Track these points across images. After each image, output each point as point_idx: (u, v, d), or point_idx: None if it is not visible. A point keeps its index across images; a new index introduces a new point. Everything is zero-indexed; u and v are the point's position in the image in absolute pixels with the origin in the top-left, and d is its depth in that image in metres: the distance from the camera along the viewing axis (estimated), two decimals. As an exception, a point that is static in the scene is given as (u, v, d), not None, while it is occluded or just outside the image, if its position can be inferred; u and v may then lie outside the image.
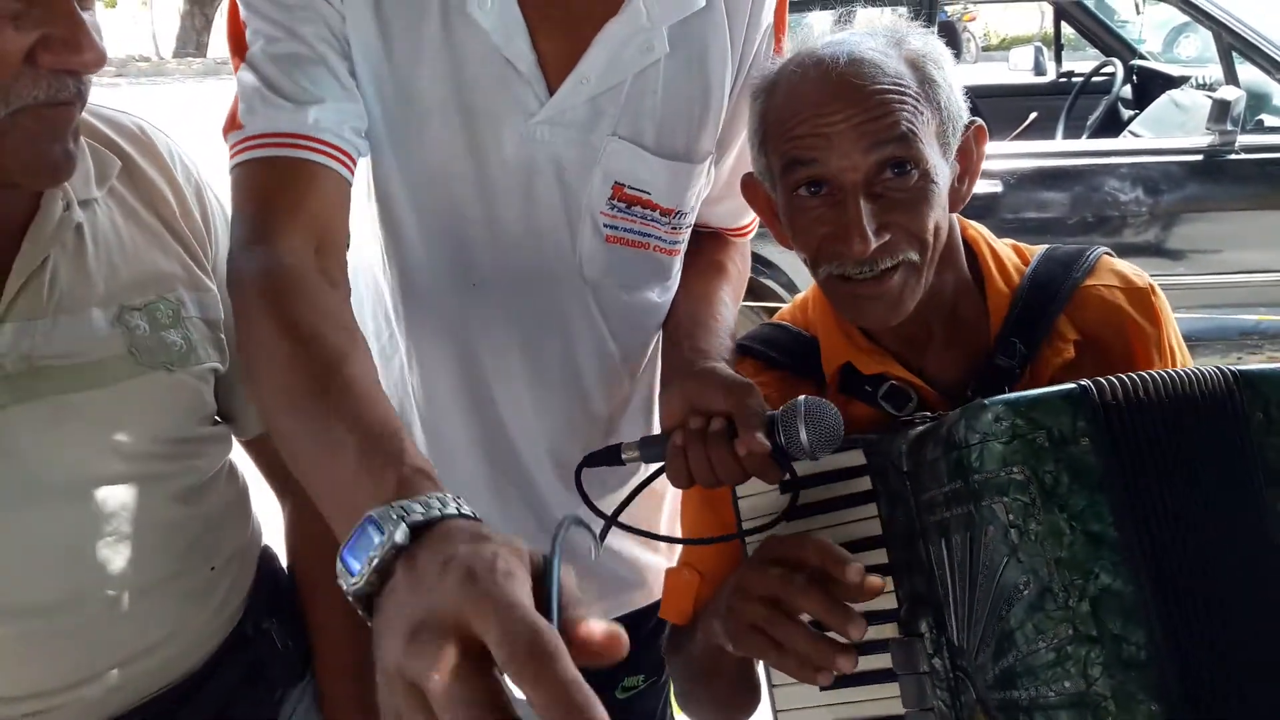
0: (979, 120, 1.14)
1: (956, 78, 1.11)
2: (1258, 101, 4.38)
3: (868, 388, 1.12)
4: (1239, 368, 0.94)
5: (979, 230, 1.21)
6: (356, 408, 0.82)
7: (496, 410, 1.27)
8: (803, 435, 1.00)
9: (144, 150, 1.11)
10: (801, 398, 1.02)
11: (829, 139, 1.04)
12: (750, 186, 1.19)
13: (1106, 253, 1.20)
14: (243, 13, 1.09)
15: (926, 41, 1.10)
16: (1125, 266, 1.19)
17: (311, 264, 0.99)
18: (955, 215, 1.16)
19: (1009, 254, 1.19)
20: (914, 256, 1.06)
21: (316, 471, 0.82)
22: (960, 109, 1.10)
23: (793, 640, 0.95)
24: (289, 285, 0.95)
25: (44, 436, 0.97)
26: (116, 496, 1.01)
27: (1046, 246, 1.21)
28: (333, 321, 0.92)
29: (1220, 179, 3.99)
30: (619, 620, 1.48)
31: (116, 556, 1.02)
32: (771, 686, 1.08)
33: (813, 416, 1.00)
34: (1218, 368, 0.94)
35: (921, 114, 1.05)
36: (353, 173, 1.10)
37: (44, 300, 0.98)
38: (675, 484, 1.04)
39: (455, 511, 0.69)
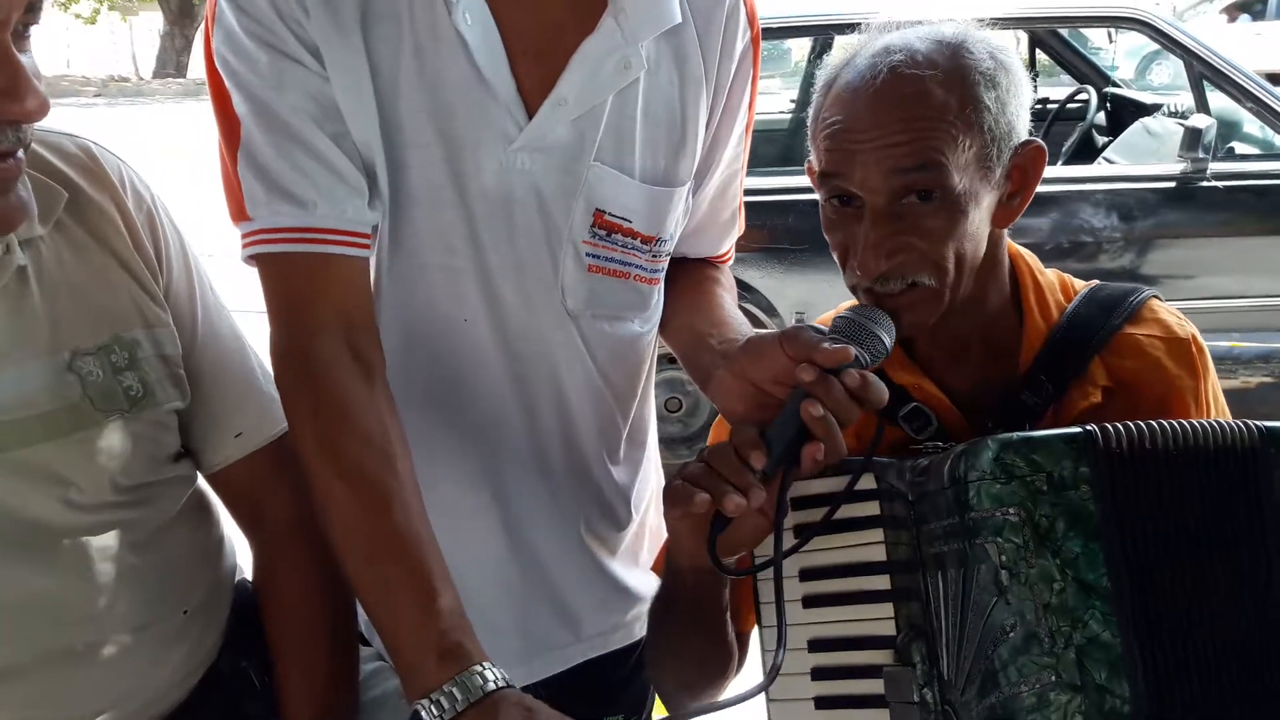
0: (1037, 140, 1.12)
1: (1019, 94, 1.09)
2: (1228, 129, 4.44)
3: (891, 404, 1.11)
4: (1268, 424, 0.95)
5: (1027, 259, 1.20)
6: (407, 559, 1.00)
7: (490, 446, 1.25)
8: (884, 337, 1.03)
9: (92, 178, 1.04)
10: (846, 312, 1.06)
11: (853, 156, 1.05)
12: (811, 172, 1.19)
13: (1155, 296, 1.19)
14: (225, 80, 1.09)
15: (992, 55, 1.07)
16: (1169, 314, 1.18)
17: (346, 358, 1.08)
18: (1004, 232, 1.15)
19: (1052, 287, 1.19)
20: (929, 281, 1.07)
21: (377, 610, 1.02)
22: (1013, 128, 1.09)
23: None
24: (330, 408, 1.06)
25: None
26: (77, 550, 0.97)
27: (1093, 284, 1.20)
28: (375, 451, 1.04)
29: (1192, 206, 4.04)
30: (598, 660, 1.49)
31: (82, 613, 0.98)
32: (769, 701, 1.08)
33: (873, 318, 1.04)
34: (1244, 422, 0.95)
35: (956, 140, 1.04)
36: (368, 246, 1.12)
37: None
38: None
39: (495, 686, 0.91)
